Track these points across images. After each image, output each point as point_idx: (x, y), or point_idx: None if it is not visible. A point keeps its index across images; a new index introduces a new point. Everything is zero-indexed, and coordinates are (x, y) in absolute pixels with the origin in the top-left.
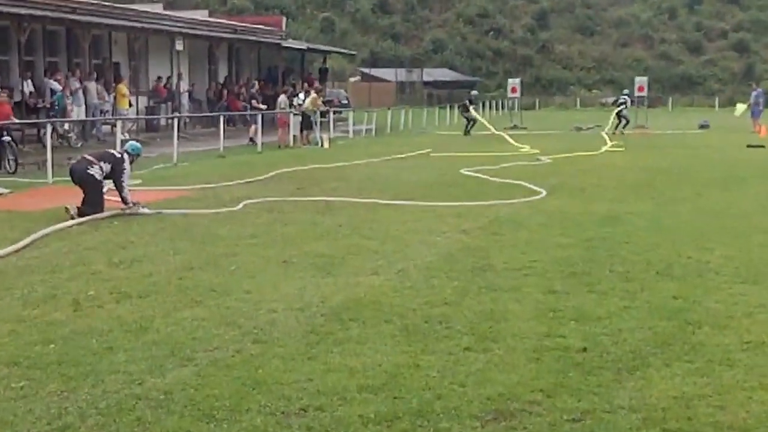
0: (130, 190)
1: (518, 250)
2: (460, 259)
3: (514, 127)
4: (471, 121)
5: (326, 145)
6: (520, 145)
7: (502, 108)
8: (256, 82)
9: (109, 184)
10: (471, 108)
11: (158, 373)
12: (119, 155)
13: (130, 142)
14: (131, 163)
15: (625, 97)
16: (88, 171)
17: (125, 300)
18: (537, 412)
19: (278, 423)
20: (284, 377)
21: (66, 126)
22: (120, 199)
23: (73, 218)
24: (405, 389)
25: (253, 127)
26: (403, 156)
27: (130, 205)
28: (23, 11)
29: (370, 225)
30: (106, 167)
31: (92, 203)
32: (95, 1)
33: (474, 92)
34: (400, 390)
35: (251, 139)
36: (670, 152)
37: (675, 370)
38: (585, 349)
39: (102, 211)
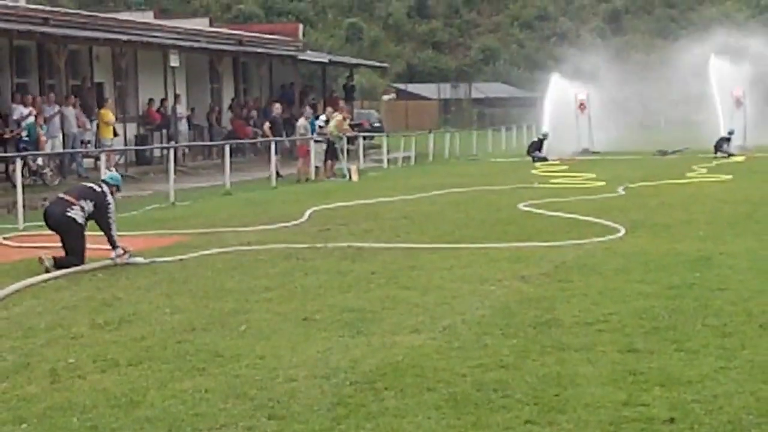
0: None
1: (590, 301)
2: (518, 312)
3: (585, 151)
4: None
5: (354, 177)
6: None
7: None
8: (278, 105)
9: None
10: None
11: None
12: (100, 189)
13: (108, 172)
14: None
15: (731, 135)
16: (68, 214)
17: (112, 369)
18: None
19: None
20: None
21: (39, 160)
22: (108, 246)
23: (48, 271)
24: None
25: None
26: (448, 191)
27: (119, 249)
28: None
29: (408, 273)
30: (89, 206)
31: (73, 251)
32: (72, 11)
33: (545, 130)
34: None
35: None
36: None
37: None
38: (673, 420)
39: (84, 261)
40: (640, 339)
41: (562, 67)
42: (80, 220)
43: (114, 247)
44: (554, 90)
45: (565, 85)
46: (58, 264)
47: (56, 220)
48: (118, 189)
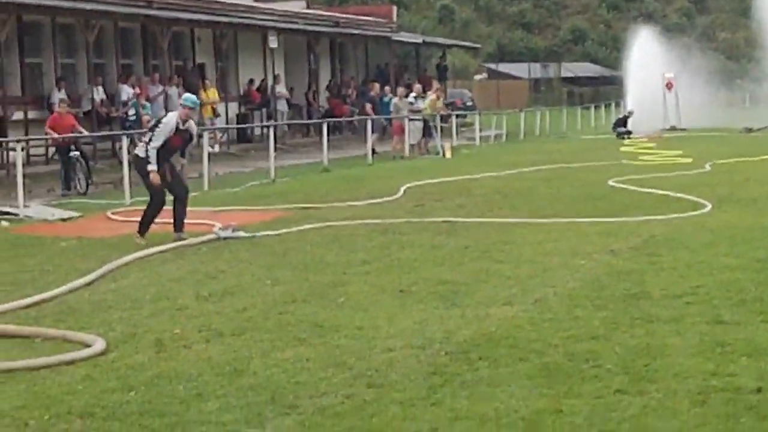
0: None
1: (678, 274)
2: (608, 285)
3: (672, 128)
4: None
5: (448, 154)
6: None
7: None
8: (377, 84)
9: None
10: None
11: (256, 423)
12: (164, 116)
13: (187, 94)
14: (186, 117)
15: None
16: (135, 152)
17: (216, 339)
18: None
19: None
20: (403, 426)
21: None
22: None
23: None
24: None
25: (375, 135)
26: (538, 167)
27: (151, 164)
28: (90, 6)
29: (501, 247)
30: (147, 136)
31: (150, 192)
32: None
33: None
34: None
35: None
36: None
37: None
38: (759, 390)
39: (154, 206)
40: (727, 311)
41: (649, 46)
42: (142, 154)
43: (148, 160)
44: (640, 69)
45: (651, 64)
46: (141, 226)
47: (133, 165)
48: (192, 109)
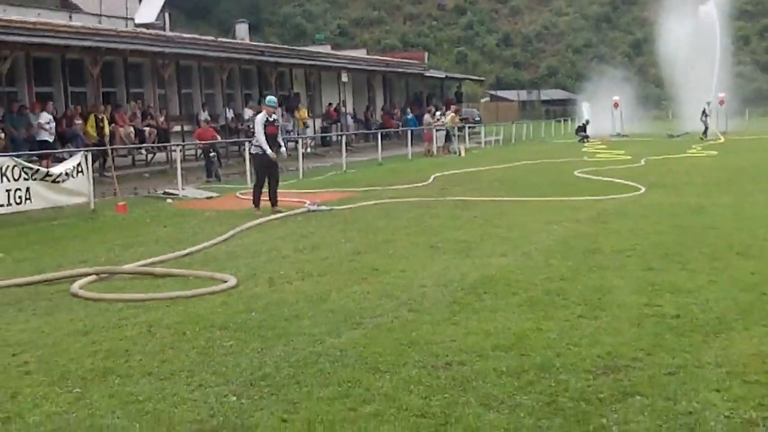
0: (309, 197)
1: (622, 236)
2: (573, 244)
3: (618, 135)
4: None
5: (463, 154)
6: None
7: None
8: (432, 108)
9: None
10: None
11: (335, 334)
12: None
13: (269, 97)
14: (270, 113)
15: (705, 105)
16: (250, 151)
17: (308, 278)
18: (639, 367)
19: (429, 374)
20: (433, 338)
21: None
22: (303, 200)
23: (262, 213)
24: (530, 348)
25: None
26: (524, 162)
27: (266, 150)
28: (224, 55)
29: (499, 217)
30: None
31: (256, 174)
32: (279, 46)
33: (587, 118)
34: (526, 349)
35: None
36: (748, 155)
37: (753, 333)
38: (678, 316)
39: (259, 185)
40: (656, 262)
41: (603, 78)
42: (253, 150)
43: (263, 148)
44: (594, 94)
45: (603, 90)
46: (253, 201)
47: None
48: (273, 107)
